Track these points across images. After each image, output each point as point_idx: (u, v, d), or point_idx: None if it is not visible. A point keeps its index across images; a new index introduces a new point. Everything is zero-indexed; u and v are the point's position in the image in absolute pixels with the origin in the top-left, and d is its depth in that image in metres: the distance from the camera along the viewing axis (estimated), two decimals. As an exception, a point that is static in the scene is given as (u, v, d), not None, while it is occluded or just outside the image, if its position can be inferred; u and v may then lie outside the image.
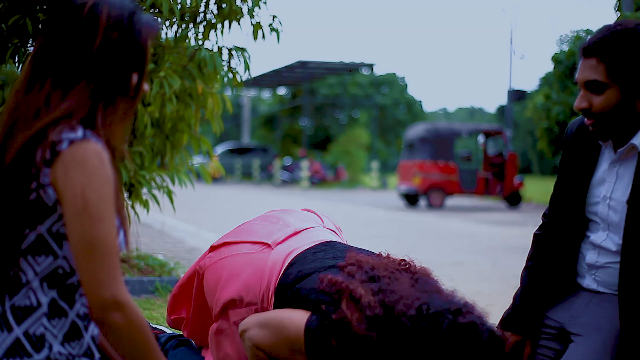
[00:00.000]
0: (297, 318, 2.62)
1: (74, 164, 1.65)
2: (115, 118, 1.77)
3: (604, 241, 2.67)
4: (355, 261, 2.66)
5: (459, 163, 20.80)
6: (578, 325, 2.69)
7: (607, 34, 2.53)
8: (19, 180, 1.68)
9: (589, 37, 2.61)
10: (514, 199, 20.15)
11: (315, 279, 2.71)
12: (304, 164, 30.65)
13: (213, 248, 3.11)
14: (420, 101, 51.41)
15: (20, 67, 4.73)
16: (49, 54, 1.75)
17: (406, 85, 48.23)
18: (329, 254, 2.86)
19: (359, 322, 2.50)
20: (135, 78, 1.79)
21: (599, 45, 2.53)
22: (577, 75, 2.60)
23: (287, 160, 37.81)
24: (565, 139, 2.83)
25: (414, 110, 47.64)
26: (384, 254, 2.74)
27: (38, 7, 4.64)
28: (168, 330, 3.51)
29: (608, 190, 2.68)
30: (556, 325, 2.77)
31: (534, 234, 2.90)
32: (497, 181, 20.30)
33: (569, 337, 2.72)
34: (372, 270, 2.59)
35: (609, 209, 2.66)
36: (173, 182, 5.33)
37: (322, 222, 3.25)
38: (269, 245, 2.98)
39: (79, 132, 1.68)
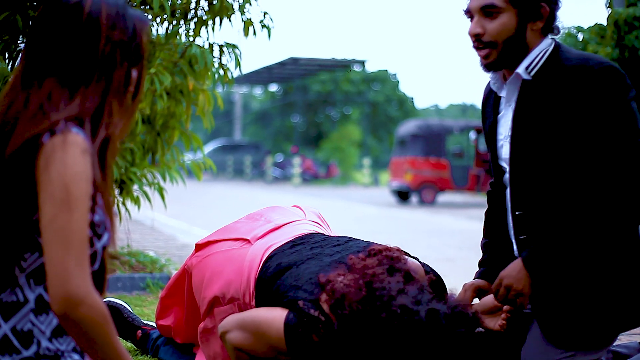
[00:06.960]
0: (275, 318, 2.61)
1: (56, 154, 1.64)
2: (120, 114, 1.79)
3: None
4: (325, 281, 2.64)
5: (451, 159, 20.79)
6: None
7: None
8: (16, 172, 1.67)
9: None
10: (505, 196, 20.14)
11: (295, 273, 2.71)
12: (296, 160, 30.63)
13: (198, 246, 3.11)
14: (412, 98, 51.49)
15: (10, 64, 4.72)
16: (47, 53, 1.75)
17: (398, 82, 48.14)
18: (307, 246, 2.87)
19: (337, 317, 2.50)
20: (134, 73, 1.82)
21: None
22: (470, 2, 2.56)
23: (279, 157, 37.77)
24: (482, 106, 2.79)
25: (405, 106, 47.59)
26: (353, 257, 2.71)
27: (28, 4, 4.63)
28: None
29: (506, 128, 2.63)
30: None
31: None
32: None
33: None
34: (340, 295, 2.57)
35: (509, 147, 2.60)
36: (164, 179, 5.33)
37: (305, 215, 3.25)
38: (248, 241, 2.99)
39: (61, 124, 1.68)
